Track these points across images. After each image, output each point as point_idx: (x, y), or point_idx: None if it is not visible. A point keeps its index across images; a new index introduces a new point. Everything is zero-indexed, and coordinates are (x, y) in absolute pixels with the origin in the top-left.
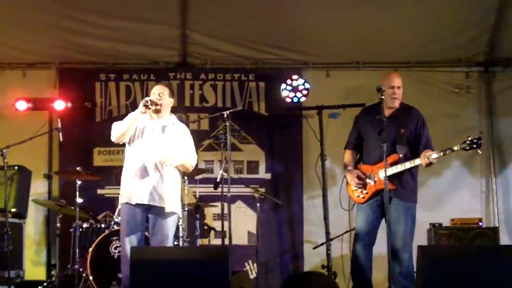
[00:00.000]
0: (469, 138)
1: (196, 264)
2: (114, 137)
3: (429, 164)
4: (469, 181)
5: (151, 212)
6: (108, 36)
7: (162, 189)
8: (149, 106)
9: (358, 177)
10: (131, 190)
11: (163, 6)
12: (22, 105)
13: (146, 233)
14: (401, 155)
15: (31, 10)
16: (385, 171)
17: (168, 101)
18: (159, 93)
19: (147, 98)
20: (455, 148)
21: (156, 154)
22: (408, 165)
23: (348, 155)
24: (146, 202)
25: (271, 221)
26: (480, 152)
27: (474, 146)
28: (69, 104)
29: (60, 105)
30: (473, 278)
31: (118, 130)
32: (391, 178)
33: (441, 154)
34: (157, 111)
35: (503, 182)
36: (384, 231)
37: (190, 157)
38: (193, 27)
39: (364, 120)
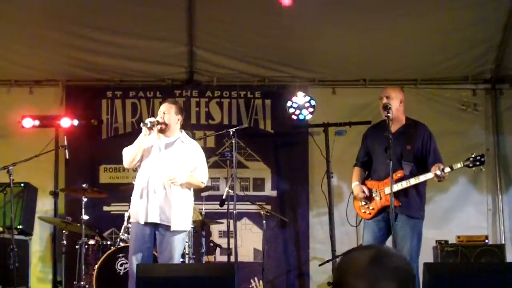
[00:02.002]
0: (473, 155)
1: (202, 282)
2: (126, 164)
3: (442, 178)
4: (476, 198)
5: (158, 230)
6: (114, 53)
7: (169, 208)
8: (152, 127)
9: (364, 192)
10: (139, 210)
11: (170, 24)
12: (28, 122)
13: (155, 252)
14: (406, 172)
15: (38, 28)
16: (391, 189)
17: (174, 119)
18: (164, 111)
19: (147, 120)
20: (458, 165)
21: (162, 173)
22: (413, 181)
23: (356, 172)
24: (153, 221)
25: (277, 238)
26: (483, 170)
27: (477, 163)
28: (76, 122)
29: (66, 122)
30: None
31: (127, 156)
32: (397, 194)
33: (443, 173)
34: (162, 131)
35: (510, 199)
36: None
37: (200, 175)
38: (199, 45)
39: (371, 137)
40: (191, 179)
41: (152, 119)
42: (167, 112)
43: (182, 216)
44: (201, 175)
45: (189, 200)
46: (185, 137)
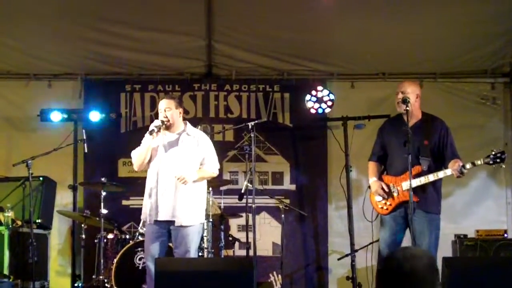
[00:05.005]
0: (493, 152)
1: (221, 276)
2: (135, 167)
3: (461, 175)
4: (495, 192)
5: (172, 226)
6: (133, 47)
7: (180, 204)
8: (159, 130)
9: (382, 188)
10: (149, 210)
11: (189, 17)
12: (47, 116)
13: (170, 244)
14: (424, 167)
15: (57, 21)
16: (410, 183)
17: (176, 113)
18: (165, 108)
19: (152, 126)
20: (478, 162)
21: (171, 171)
22: (431, 177)
23: (372, 167)
24: (164, 219)
25: (296, 232)
26: (504, 166)
27: (498, 160)
28: (94, 115)
29: (85, 116)
30: None
31: (137, 159)
32: (414, 190)
33: (464, 168)
34: (167, 128)
35: None
36: (408, 243)
37: (210, 166)
38: (218, 38)
39: (388, 131)
40: (202, 173)
41: (157, 122)
42: (169, 108)
43: (193, 210)
44: (212, 165)
45: (200, 193)
46: (190, 129)
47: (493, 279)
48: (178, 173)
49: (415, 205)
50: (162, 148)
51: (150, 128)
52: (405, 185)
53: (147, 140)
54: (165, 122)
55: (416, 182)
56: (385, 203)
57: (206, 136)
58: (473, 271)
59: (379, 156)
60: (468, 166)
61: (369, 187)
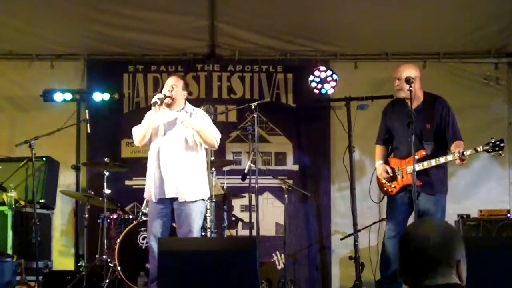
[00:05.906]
0: (492, 140)
1: (224, 255)
2: (136, 142)
3: (462, 162)
4: (497, 173)
5: (175, 204)
6: (136, 27)
7: (182, 181)
8: (161, 103)
9: (387, 173)
10: (152, 189)
11: None
12: (50, 97)
13: (174, 224)
14: (428, 152)
15: (60, 1)
16: (414, 163)
17: (180, 94)
18: (172, 85)
19: (155, 98)
20: (479, 149)
21: (171, 148)
22: (433, 162)
23: (378, 150)
24: (166, 197)
25: (299, 212)
26: (503, 155)
27: (497, 148)
28: (97, 96)
29: (88, 96)
30: (501, 269)
31: (138, 134)
32: (418, 173)
33: (463, 156)
34: (168, 105)
35: None
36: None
37: (212, 132)
38: (221, 18)
39: (390, 114)
40: (205, 130)
41: (159, 95)
42: (175, 86)
43: (196, 186)
44: (215, 132)
45: (202, 169)
46: (189, 107)
47: (495, 259)
48: (185, 119)
49: (419, 189)
50: (162, 127)
51: (153, 100)
52: (409, 169)
53: (150, 113)
54: (167, 97)
55: (419, 167)
56: (390, 186)
57: (205, 113)
58: (476, 251)
59: (385, 139)
60: (468, 152)
61: (375, 169)
